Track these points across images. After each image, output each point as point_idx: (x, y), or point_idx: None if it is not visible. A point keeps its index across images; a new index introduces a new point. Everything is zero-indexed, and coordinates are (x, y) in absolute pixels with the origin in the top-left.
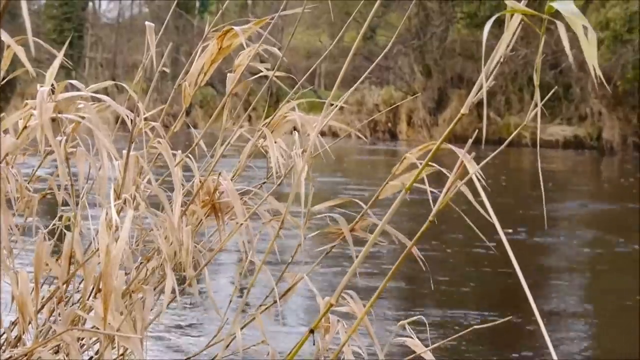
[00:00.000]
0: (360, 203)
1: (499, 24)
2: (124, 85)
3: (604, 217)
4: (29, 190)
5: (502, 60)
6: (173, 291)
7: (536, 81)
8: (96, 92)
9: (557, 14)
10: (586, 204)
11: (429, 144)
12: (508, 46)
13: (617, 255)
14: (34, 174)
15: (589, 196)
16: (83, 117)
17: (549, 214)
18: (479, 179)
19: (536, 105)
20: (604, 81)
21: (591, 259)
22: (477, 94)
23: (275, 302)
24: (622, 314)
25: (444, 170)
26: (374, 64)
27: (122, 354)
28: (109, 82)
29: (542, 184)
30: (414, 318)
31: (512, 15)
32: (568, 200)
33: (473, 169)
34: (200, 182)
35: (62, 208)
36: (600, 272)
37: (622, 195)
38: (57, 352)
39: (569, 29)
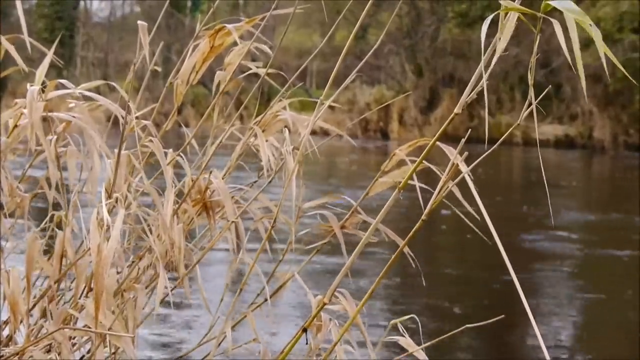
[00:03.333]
0: (351, 200)
1: (492, 23)
2: (115, 85)
3: (596, 215)
4: (20, 190)
5: (495, 60)
6: (165, 289)
7: (530, 80)
8: (88, 91)
9: (551, 12)
10: (579, 204)
11: (418, 140)
12: (502, 47)
13: (611, 255)
14: (25, 174)
15: (582, 196)
16: (74, 116)
17: (541, 212)
18: (470, 179)
19: (529, 104)
20: (620, 66)
21: (585, 258)
22: (470, 93)
23: (266, 300)
24: (616, 313)
25: (436, 169)
26: (362, 62)
27: (114, 353)
28: (100, 82)
29: (545, 183)
30: (406, 317)
31: (506, 14)
32: (561, 199)
33: (464, 169)
34: (192, 180)
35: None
36: (595, 271)
37: (614, 195)
38: (48, 351)
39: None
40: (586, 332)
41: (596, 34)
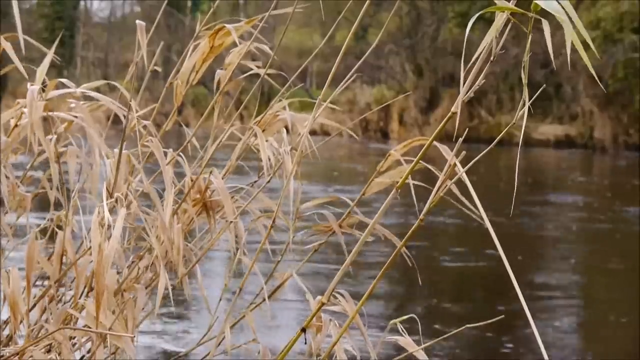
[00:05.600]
0: (348, 200)
1: (490, 23)
2: (115, 84)
3: (596, 215)
4: (21, 190)
5: (493, 59)
6: (165, 289)
7: (524, 79)
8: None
9: (545, 12)
10: (578, 204)
11: (414, 140)
12: (498, 45)
13: (611, 255)
14: (26, 174)
15: (581, 195)
16: (75, 116)
17: (541, 212)
18: (467, 179)
19: (526, 104)
20: (593, 71)
21: (584, 258)
22: (467, 92)
23: (264, 300)
24: (616, 314)
25: (433, 169)
26: (360, 61)
27: (114, 353)
28: (101, 82)
29: (516, 181)
30: (406, 317)
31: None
32: (560, 199)
33: (461, 168)
34: (192, 180)
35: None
36: (594, 270)
37: (615, 195)
38: (49, 351)
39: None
40: (586, 332)
41: (571, 35)
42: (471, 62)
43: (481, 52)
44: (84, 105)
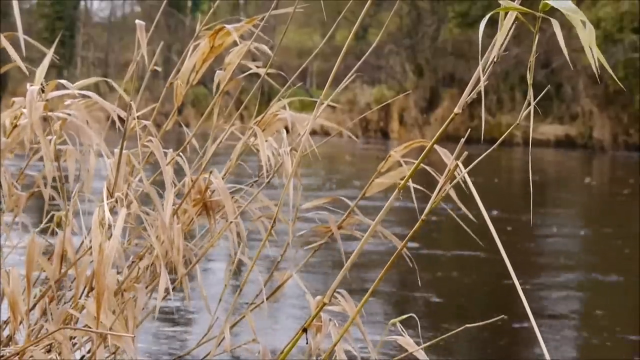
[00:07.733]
0: (348, 201)
1: (491, 23)
2: (110, 82)
3: (597, 215)
4: (17, 189)
5: (495, 60)
6: (165, 289)
7: (529, 80)
8: (86, 89)
9: (551, 12)
10: (578, 204)
11: (414, 142)
12: (502, 45)
13: (613, 256)
14: (22, 172)
15: (581, 195)
16: (72, 115)
17: (541, 213)
18: (469, 180)
19: (529, 104)
20: (609, 69)
21: (586, 259)
22: (470, 93)
23: (265, 300)
24: (618, 316)
25: (433, 172)
26: (360, 60)
27: (114, 353)
28: (95, 79)
29: (531, 183)
30: (406, 316)
31: (505, 14)
32: (560, 199)
33: (463, 170)
34: (192, 180)
35: (52, 205)
36: (597, 273)
37: (615, 194)
38: (49, 351)
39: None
40: (587, 333)
41: (589, 35)
42: (488, 64)
43: (495, 55)
44: (80, 102)
